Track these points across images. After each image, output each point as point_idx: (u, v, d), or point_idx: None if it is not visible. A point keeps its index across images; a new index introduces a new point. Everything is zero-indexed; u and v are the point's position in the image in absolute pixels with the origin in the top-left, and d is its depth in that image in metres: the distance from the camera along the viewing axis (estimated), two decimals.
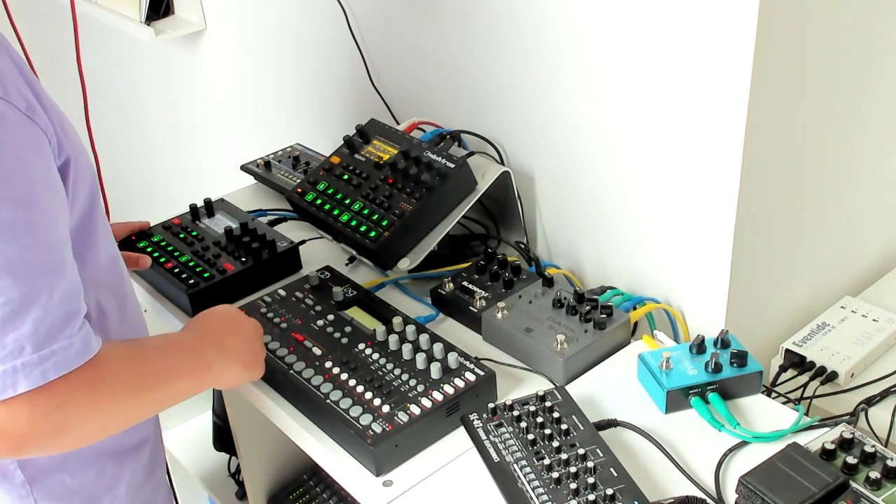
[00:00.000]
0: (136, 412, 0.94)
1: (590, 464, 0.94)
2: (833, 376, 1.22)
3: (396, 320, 1.17)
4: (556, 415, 1.02)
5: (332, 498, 1.60)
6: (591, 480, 0.92)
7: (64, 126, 0.90)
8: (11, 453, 0.83)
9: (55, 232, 0.84)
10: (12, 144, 0.80)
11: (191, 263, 1.35)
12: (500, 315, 1.20)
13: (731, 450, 1.01)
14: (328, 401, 1.07)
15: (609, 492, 0.91)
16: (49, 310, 0.79)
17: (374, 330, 1.17)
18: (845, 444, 0.96)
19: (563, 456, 0.96)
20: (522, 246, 1.40)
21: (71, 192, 0.90)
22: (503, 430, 1.01)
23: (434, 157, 1.35)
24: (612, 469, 0.95)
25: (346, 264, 1.41)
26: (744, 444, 1.02)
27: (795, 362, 1.25)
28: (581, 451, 0.96)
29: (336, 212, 1.36)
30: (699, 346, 1.10)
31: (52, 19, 2.44)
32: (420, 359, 1.10)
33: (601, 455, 0.97)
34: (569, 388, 1.10)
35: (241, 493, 1.70)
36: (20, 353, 0.77)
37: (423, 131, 1.47)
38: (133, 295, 1.12)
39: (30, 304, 0.78)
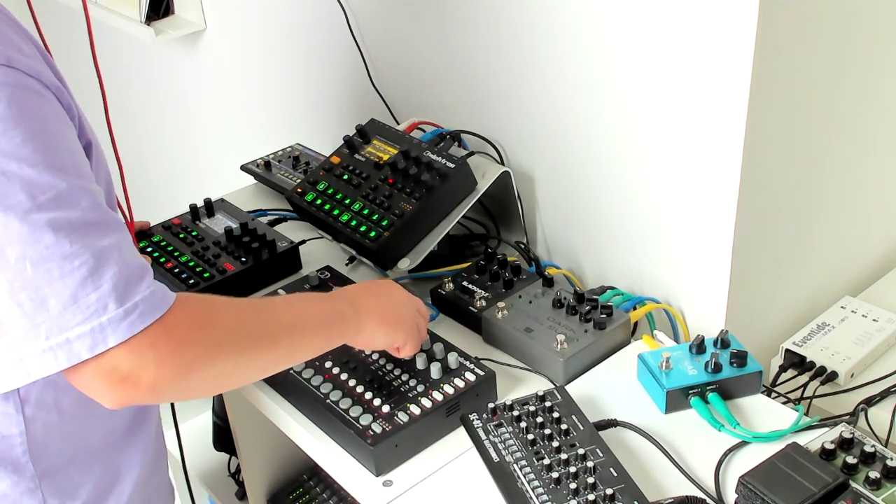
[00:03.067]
0: (265, 358, 0.92)
1: (590, 464, 0.94)
2: (833, 376, 1.22)
3: None
4: (555, 415, 1.02)
5: (332, 498, 1.61)
6: (590, 480, 0.92)
7: (83, 115, 0.93)
8: (148, 397, 0.83)
9: (103, 197, 0.86)
10: (54, 118, 0.82)
11: (191, 263, 1.36)
12: (500, 315, 1.20)
13: (730, 450, 1.01)
14: (328, 401, 1.07)
15: (609, 492, 0.91)
16: (124, 265, 0.81)
17: None
18: (845, 444, 0.96)
19: (563, 456, 0.96)
20: (522, 246, 1.40)
21: (94, 176, 0.91)
22: (503, 430, 1.01)
23: (434, 157, 1.35)
24: (611, 469, 0.95)
25: (346, 264, 1.41)
26: (744, 444, 1.02)
27: (795, 362, 1.25)
28: (581, 451, 0.96)
29: (336, 212, 1.36)
30: (699, 346, 1.10)
31: (55, 21, 2.45)
32: (420, 359, 1.10)
33: (601, 455, 0.97)
34: (569, 388, 1.10)
35: (241, 493, 1.71)
36: (105, 309, 0.79)
37: (423, 131, 1.48)
38: None
39: (104, 262, 0.79)
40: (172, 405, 1.49)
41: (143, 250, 1.40)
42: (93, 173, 0.90)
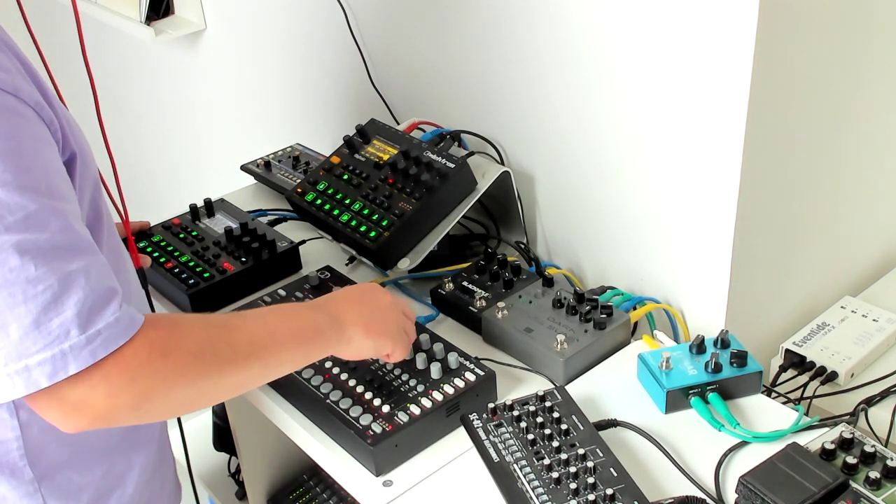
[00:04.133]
0: (233, 379, 0.90)
1: (590, 464, 0.94)
2: (833, 376, 1.22)
3: None
4: (556, 415, 1.02)
5: (332, 498, 1.61)
6: (590, 480, 0.92)
7: (70, 124, 0.92)
8: (102, 424, 0.82)
9: (78, 217, 0.85)
10: (30, 136, 0.81)
11: (191, 263, 1.36)
12: (500, 315, 1.20)
13: (730, 450, 1.01)
14: (328, 401, 1.07)
15: (609, 492, 0.91)
16: (89, 291, 0.80)
17: None
18: (845, 444, 0.96)
19: (563, 456, 0.96)
20: (522, 246, 1.40)
21: (77, 188, 0.91)
22: (503, 430, 1.01)
23: (434, 157, 1.35)
24: (611, 469, 0.95)
25: (346, 264, 1.41)
26: (744, 444, 1.02)
27: (795, 362, 1.25)
28: (581, 451, 0.96)
29: (336, 212, 1.36)
30: (699, 346, 1.10)
31: (53, 20, 2.45)
32: (420, 359, 1.10)
33: (601, 455, 0.97)
34: (569, 388, 1.10)
35: (241, 493, 1.71)
36: (66, 336, 0.78)
37: (423, 131, 1.48)
38: (139, 292, 1.12)
39: (69, 287, 0.78)
40: None
41: (143, 250, 1.40)
42: (75, 188, 0.89)
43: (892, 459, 0.93)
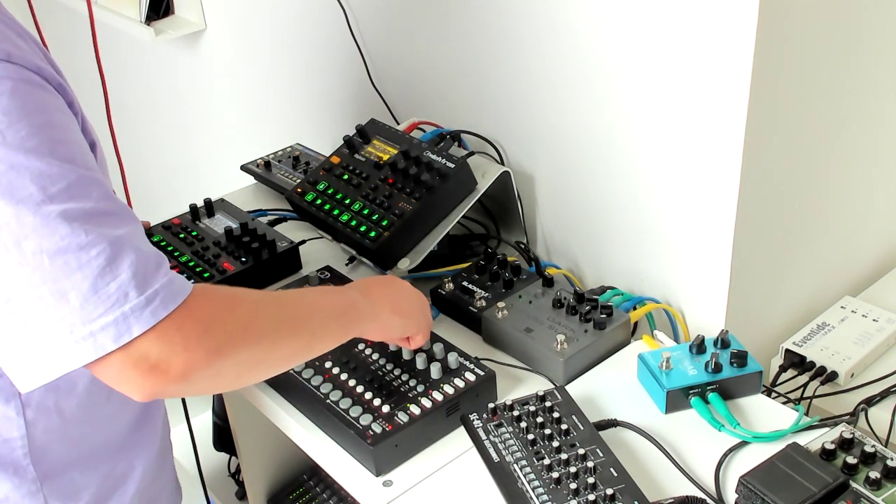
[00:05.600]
0: (284, 348, 0.91)
1: (590, 464, 0.94)
2: (833, 376, 1.22)
3: None
4: (556, 415, 1.02)
5: (332, 498, 1.61)
6: (591, 480, 0.92)
7: (85, 115, 0.93)
8: (178, 386, 0.81)
9: (111, 188, 0.85)
10: (57, 111, 0.82)
11: (191, 263, 1.36)
12: (500, 315, 1.20)
13: (731, 450, 1.01)
14: (328, 401, 1.07)
15: (609, 492, 0.91)
16: (140, 253, 0.80)
17: None
18: (845, 444, 0.97)
19: (563, 456, 0.96)
20: (522, 246, 1.40)
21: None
22: (503, 430, 1.01)
23: (434, 157, 1.35)
24: (612, 469, 0.95)
25: (346, 264, 1.41)
26: (744, 444, 1.02)
27: (795, 362, 1.25)
28: (581, 451, 0.96)
29: (336, 212, 1.36)
30: (699, 346, 1.10)
31: (56, 21, 2.45)
32: (420, 359, 1.10)
33: (601, 455, 0.97)
34: (569, 388, 1.10)
35: (241, 493, 1.71)
36: (126, 298, 0.77)
37: (423, 131, 1.48)
38: None
39: (121, 251, 0.78)
40: (184, 402, 1.49)
41: None
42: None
43: (892, 459, 0.93)
